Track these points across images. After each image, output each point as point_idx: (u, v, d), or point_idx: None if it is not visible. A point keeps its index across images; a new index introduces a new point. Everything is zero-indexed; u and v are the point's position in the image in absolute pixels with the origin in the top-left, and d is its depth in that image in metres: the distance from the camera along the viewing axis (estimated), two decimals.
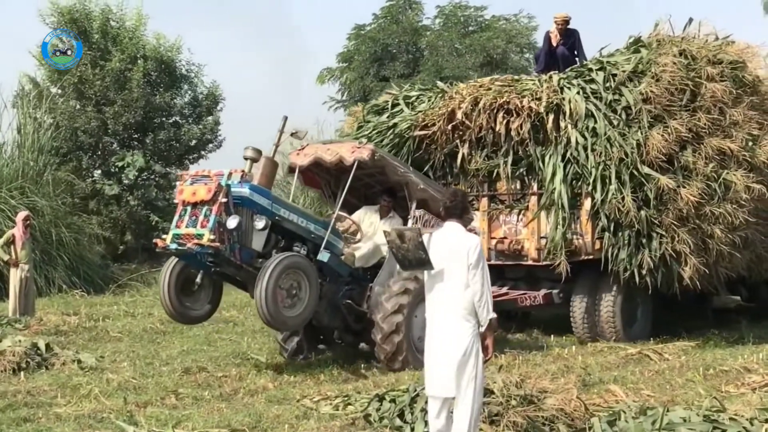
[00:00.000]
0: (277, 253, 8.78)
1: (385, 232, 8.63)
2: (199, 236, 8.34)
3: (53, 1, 21.63)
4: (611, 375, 8.76)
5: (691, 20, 10.91)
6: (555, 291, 10.76)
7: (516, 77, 11.47)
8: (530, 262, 10.87)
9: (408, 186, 9.55)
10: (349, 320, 9.37)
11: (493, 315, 5.46)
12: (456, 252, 5.46)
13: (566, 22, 11.80)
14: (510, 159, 10.76)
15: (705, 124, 9.97)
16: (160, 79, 23.47)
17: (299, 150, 9.84)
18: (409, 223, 9.43)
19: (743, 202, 9.96)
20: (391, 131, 11.38)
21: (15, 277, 12.07)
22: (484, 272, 5.45)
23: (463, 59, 25.98)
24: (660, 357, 9.84)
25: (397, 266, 8.98)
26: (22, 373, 8.61)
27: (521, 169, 10.81)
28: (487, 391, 6.76)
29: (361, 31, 28.66)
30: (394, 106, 11.91)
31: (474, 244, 5.50)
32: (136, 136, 23.65)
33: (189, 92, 24.42)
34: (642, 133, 9.93)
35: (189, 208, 8.53)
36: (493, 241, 11.02)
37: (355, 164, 9.15)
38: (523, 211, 10.88)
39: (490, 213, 11.10)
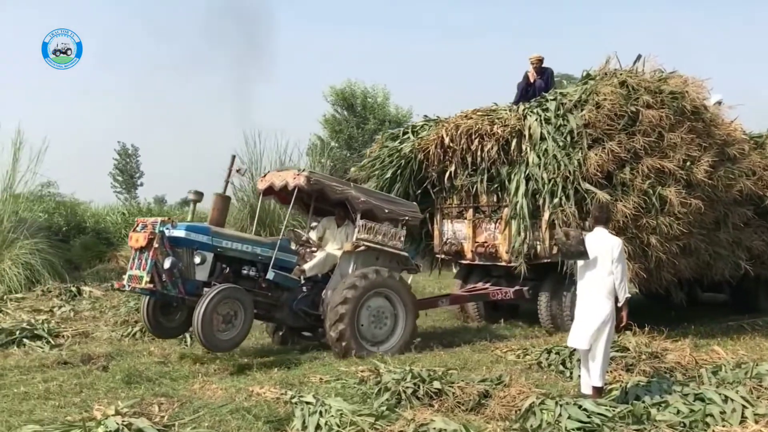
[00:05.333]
0: (221, 280, 9.40)
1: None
2: (140, 278, 9.02)
3: (331, 86, 32.38)
4: (716, 340, 10.81)
5: (639, 56, 11.50)
6: (525, 288, 11.94)
7: (493, 108, 12.45)
8: (504, 263, 11.95)
9: (349, 201, 10.18)
10: (308, 321, 10.18)
11: (629, 295, 6.81)
12: (604, 249, 6.75)
13: (540, 61, 12.94)
14: (486, 176, 11.85)
15: (642, 146, 10.45)
16: None
17: (262, 178, 10.98)
18: (355, 230, 10.14)
19: (680, 215, 10.31)
20: (398, 153, 12.82)
21: None
22: (623, 264, 6.76)
23: None
24: (752, 327, 12.02)
25: (349, 268, 10.01)
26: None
27: (495, 185, 11.87)
28: (624, 348, 8.68)
29: None
30: (404, 134, 13.37)
31: (617, 243, 6.81)
32: None
33: None
34: (582, 153, 10.57)
35: (137, 253, 9.22)
36: (476, 245, 12.22)
37: (296, 189, 9.91)
38: (498, 220, 11.94)
39: (474, 221, 12.29)
